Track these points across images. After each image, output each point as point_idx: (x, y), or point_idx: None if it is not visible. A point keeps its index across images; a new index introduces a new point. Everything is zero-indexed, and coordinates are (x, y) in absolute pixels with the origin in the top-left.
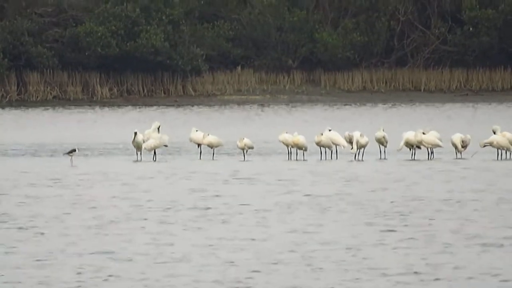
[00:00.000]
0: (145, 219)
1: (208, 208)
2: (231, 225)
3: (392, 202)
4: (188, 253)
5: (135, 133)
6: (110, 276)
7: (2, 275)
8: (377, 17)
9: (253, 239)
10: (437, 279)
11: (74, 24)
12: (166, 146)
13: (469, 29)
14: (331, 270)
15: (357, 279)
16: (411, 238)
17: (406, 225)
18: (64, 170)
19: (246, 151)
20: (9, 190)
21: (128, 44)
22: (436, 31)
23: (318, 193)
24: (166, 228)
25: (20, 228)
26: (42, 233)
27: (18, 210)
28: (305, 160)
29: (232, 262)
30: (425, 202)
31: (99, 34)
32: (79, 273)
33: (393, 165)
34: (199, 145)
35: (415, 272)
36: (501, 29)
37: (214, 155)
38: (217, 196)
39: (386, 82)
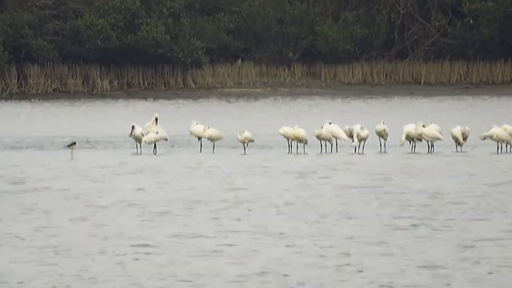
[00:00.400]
0: (179, 213)
1: (236, 201)
2: (259, 219)
3: (414, 195)
4: (228, 246)
5: (133, 127)
6: (150, 269)
7: (40, 265)
8: (377, 10)
9: (282, 233)
10: (479, 271)
11: (74, 17)
12: (166, 140)
13: (469, 21)
14: (372, 265)
15: (402, 271)
16: (448, 230)
17: (437, 219)
18: (72, 163)
19: (247, 144)
20: (30, 183)
21: (128, 36)
22: (436, 23)
23: (335, 186)
24: (198, 221)
25: (56, 220)
26: (80, 226)
27: (53, 204)
28: (306, 153)
29: (273, 256)
30: (447, 195)
31: (99, 26)
32: (119, 263)
33: (406, 156)
34: (199, 138)
35: (459, 266)
36: (501, 21)
37: (214, 148)
38: (240, 189)
39: (386, 75)
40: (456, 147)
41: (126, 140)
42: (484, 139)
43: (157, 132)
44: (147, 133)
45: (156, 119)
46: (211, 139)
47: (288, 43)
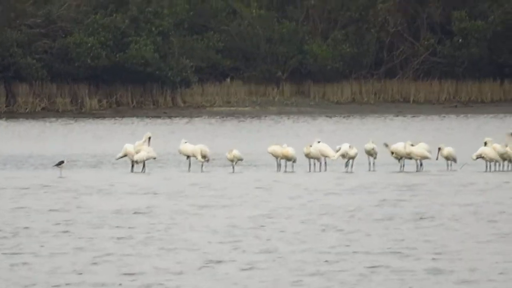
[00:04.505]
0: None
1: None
2: (310, 242)
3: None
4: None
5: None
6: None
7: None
8: (366, 29)
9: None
10: None
11: (63, 35)
12: (154, 158)
13: (458, 40)
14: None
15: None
16: None
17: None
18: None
19: (235, 163)
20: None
21: (117, 55)
22: (426, 42)
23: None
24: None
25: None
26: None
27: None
28: (293, 172)
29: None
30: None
31: (88, 45)
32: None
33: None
34: (188, 156)
35: None
36: (490, 40)
37: (203, 166)
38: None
39: (375, 94)
40: (448, 166)
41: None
42: (476, 159)
43: (148, 152)
44: (137, 152)
45: (149, 138)
46: (203, 157)
47: (277, 62)
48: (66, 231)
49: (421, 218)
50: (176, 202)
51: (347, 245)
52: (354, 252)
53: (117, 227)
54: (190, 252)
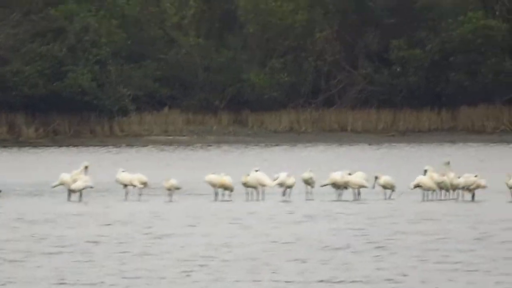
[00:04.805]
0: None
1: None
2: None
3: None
4: None
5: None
6: None
7: None
8: (304, 57)
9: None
10: None
11: (0, 64)
12: (91, 187)
13: (396, 69)
14: None
15: None
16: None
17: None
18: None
19: (173, 192)
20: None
21: (54, 84)
22: (363, 71)
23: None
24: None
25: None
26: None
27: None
28: (231, 201)
29: None
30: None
31: (26, 74)
32: None
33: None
34: (125, 185)
35: None
36: (428, 69)
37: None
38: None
39: (313, 123)
40: (385, 194)
41: (52, 189)
42: (414, 188)
43: (85, 181)
44: (74, 181)
45: (86, 167)
46: (142, 185)
47: (215, 91)
48: (23, 261)
49: (376, 247)
50: (125, 231)
51: (304, 275)
52: (312, 282)
53: (73, 256)
54: (149, 281)
